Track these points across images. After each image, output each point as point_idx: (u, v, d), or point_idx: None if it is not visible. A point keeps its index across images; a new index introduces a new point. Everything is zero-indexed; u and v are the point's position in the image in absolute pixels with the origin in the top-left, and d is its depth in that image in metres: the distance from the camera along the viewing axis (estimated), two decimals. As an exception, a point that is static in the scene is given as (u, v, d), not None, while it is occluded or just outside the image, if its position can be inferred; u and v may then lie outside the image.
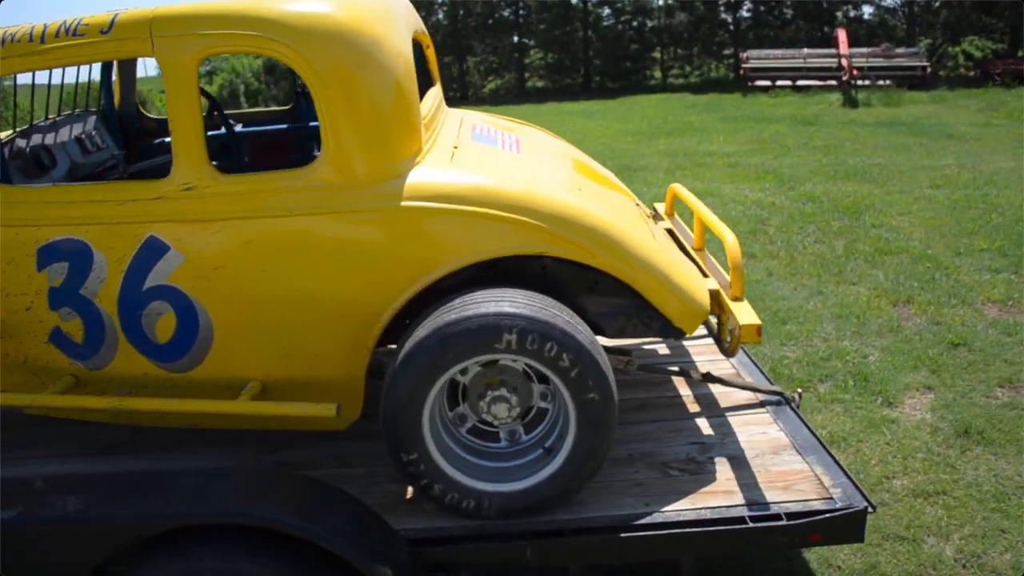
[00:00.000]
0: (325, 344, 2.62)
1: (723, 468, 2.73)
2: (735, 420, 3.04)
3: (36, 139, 3.09)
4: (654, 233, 2.94)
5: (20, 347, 2.81)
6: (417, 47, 3.45)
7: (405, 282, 2.52)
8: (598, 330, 2.82)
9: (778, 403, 3.13)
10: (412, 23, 3.04)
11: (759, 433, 2.94)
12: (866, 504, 2.45)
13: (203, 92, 3.58)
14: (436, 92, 3.35)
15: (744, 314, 2.67)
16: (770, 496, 2.54)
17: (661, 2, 25.51)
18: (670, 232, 3.64)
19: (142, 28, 2.42)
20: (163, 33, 2.41)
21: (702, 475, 2.69)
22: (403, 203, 2.48)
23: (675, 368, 3.22)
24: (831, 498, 2.50)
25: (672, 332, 2.74)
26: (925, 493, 3.34)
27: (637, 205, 3.22)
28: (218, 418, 2.73)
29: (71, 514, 2.20)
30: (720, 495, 2.57)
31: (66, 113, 3.47)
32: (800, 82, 18.16)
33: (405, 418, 2.39)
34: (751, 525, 2.41)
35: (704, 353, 3.62)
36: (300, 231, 2.51)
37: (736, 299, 2.77)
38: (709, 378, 3.18)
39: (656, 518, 2.47)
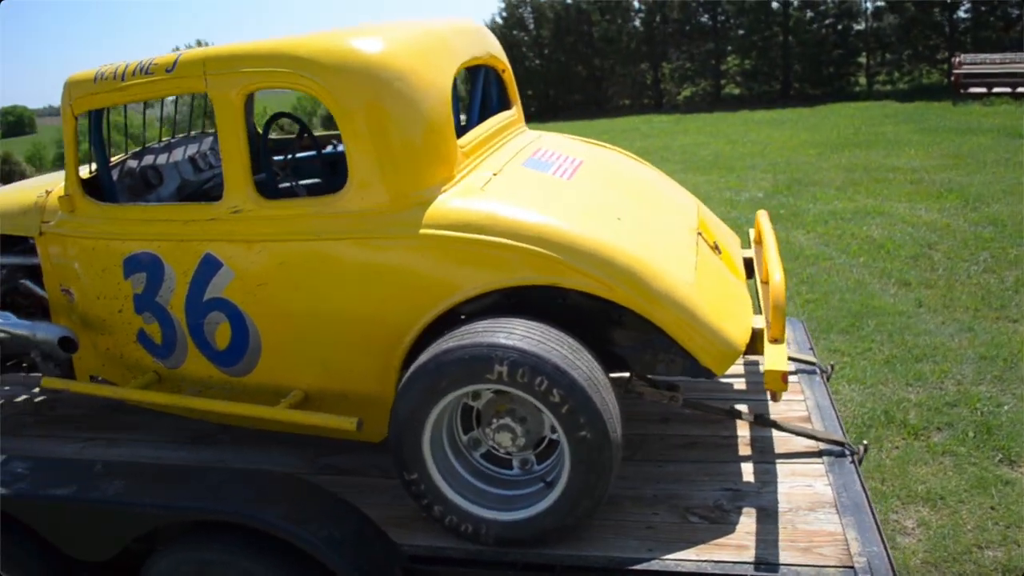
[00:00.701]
0: (356, 361, 2.76)
1: (747, 519, 2.56)
2: (783, 468, 2.84)
3: (148, 159, 3.49)
4: (700, 265, 2.80)
5: (116, 344, 3.21)
6: (491, 72, 3.53)
7: (425, 306, 2.60)
8: (626, 366, 2.76)
9: (840, 454, 2.88)
10: (471, 50, 3.09)
11: (804, 486, 2.72)
12: None
13: (293, 117, 3.88)
14: (503, 116, 3.40)
15: (772, 358, 2.49)
16: (784, 557, 2.36)
17: (868, 4, 23.85)
18: (748, 262, 3.46)
19: (197, 67, 2.69)
20: (214, 71, 2.67)
21: (722, 525, 2.55)
22: (422, 231, 2.56)
23: (727, 407, 3.05)
24: (851, 567, 2.28)
25: (701, 371, 2.62)
26: (1018, 570, 2.93)
27: (699, 235, 3.08)
28: (263, 422, 2.96)
29: (110, 497, 2.49)
30: (731, 549, 2.42)
31: (182, 135, 3.89)
32: (1020, 89, 16.24)
33: (407, 438, 2.47)
34: (751, 585, 2.26)
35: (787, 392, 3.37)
36: (327, 254, 2.67)
37: (775, 341, 2.59)
38: (761, 420, 2.99)
39: (653, 565, 2.38)
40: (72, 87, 2.94)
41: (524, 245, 2.50)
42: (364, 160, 2.58)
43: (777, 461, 2.90)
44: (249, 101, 2.76)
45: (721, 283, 2.89)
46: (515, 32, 28.14)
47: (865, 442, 2.95)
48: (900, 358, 4.82)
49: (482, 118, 3.44)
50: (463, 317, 2.62)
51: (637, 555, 2.42)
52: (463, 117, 3.68)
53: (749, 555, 2.38)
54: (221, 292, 2.85)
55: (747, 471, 2.85)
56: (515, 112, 3.56)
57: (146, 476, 2.62)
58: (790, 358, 3.60)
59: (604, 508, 2.66)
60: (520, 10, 28.71)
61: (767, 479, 2.79)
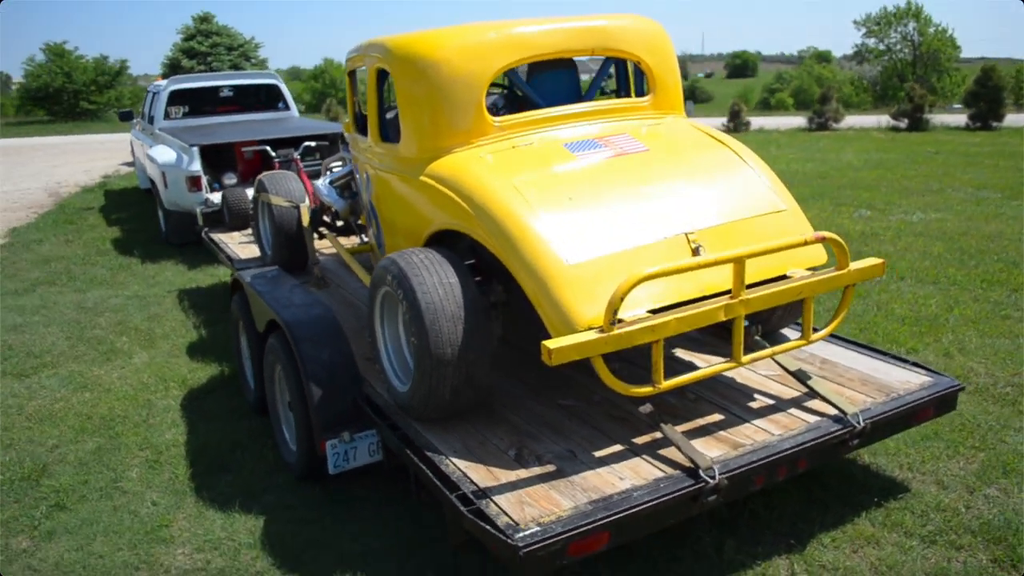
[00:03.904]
0: None
1: (532, 472, 2.95)
2: (635, 461, 3.02)
3: None
4: (621, 257, 3.04)
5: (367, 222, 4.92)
6: (619, 63, 4.01)
7: (423, 229, 3.60)
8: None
9: (694, 475, 2.89)
10: (559, 45, 3.66)
11: (616, 477, 2.91)
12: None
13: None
14: (613, 101, 3.88)
15: (567, 340, 2.76)
16: (501, 500, 2.76)
17: None
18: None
19: (363, 49, 4.04)
20: (367, 53, 3.99)
21: (515, 465, 3.01)
22: (420, 177, 3.55)
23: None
24: (517, 525, 2.61)
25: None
26: None
27: (686, 236, 3.18)
28: None
29: (262, 294, 4.22)
30: (484, 475, 2.93)
31: None
32: None
33: (370, 315, 3.58)
34: (448, 492, 2.82)
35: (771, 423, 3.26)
36: (391, 182, 3.86)
37: (600, 329, 2.81)
38: (651, 417, 3.13)
39: (436, 457, 3.06)
40: (347, 53, 4.59)
41: (455, 197, 3.29)
42: (406, 123, 3.65)
43: (644, 455, 3.06)
44: (380, 76, 3.99)
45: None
46: None
47: (724, 477, 2.86)
48: None
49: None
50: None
51: (439, 449, 3.12)
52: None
53: (487, 483, 2.87)
54: (372, 197, 4.28)
55: (612, 450, 3.10)
56: (646, 100, 3.94)
57: (292, 295, 4.26)
58: (825, 398, 3.34)
59: (484, 420, 3.35)
60: None
61: (609, 460, 3.03)
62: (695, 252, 3.19)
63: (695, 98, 55.25)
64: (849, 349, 4.02)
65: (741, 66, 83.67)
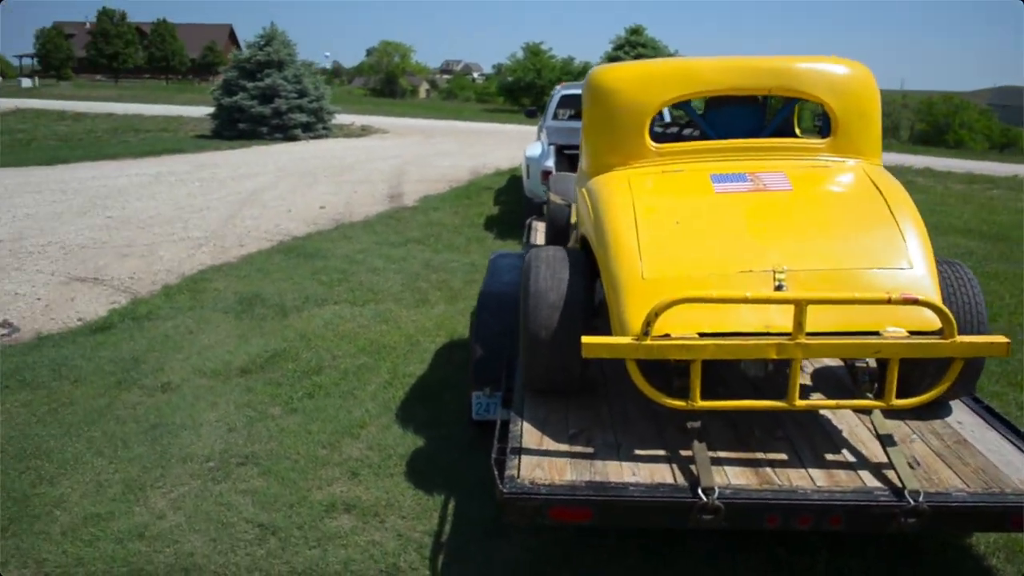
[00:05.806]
0: None
1: (578, 450, 3.40)
2: (656, 466, 3.28)
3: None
4: (697, 279, 3.29)
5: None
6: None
7: (580, 231, 4.19)
8: None
9: (694, 495, 3.08)
10: (726, 82, 3.90)
11: (629, 472, 3.23)
12: None
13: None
14: (785, 140, 3.98)
15: (599, 338, 3.16)
16: (524, 461, 3.27)
17: None
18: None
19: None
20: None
21: (566, 443, 3.46)
22: (582, 188, 4.12)
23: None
24: (501, 490, 3.11)
25: None
26: None
27: (773, 272, 3.28)
28: None
29: (490, 274, 5.14)
30: (536, 441, 3.45)
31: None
32: None
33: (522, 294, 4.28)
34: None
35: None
36: (579, 191, 4.47)
37: (636, 336, 3.15)
38: (692, 432, 3.32)
39: (512, 417, 3.67)
40: None
41: (590, 207, 3.83)
42: (585, 141, 4.24)
43: (674, 463, 3.28)
44: None
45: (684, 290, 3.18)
46: None
47: (720, 502, 3.00)
48: None
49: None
50: None
51: (523, 413, 3.69)
52: None
53: (530, 446, 3.40)
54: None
55: (652, 452, 3.38)
56: (824, 141, 3.95)
57: (505, 276, 5.09)
58: (895, 468, 3.17)
59: (579, 404, 3.81)
60: None
61: (641, 458, 3.31)
62: (777, 289, 3.29)
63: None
64: (1006, 435, 3.58)
65: None
